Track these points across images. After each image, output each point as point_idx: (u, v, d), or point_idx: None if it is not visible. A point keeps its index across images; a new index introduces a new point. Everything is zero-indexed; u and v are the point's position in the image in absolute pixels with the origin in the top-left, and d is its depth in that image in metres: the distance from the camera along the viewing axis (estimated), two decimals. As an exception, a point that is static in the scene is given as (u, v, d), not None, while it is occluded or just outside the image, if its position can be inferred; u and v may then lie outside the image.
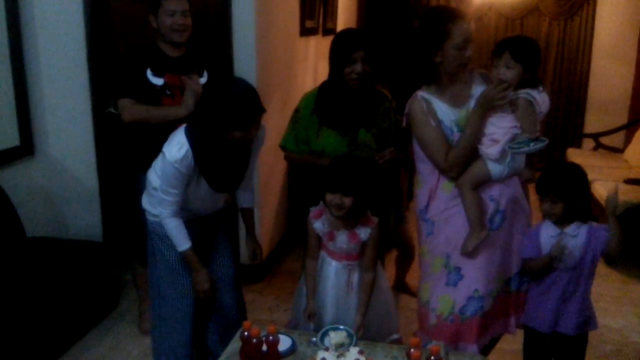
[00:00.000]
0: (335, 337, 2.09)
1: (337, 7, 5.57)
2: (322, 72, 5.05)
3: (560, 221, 2.26)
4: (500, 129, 2.20)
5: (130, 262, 3.26)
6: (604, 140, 5.88)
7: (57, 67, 3.50)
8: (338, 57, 2.52)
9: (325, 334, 2.13)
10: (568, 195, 2.21)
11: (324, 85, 2.66)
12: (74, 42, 3.46)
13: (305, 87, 4.50)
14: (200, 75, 2.95)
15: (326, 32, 5.26)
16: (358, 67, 2.46)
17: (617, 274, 4.01)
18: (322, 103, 2.59)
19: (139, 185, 2.82)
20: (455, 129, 2.27)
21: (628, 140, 5.66)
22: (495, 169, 2.21)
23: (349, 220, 2.28)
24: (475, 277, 2.29)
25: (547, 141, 2.14)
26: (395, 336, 2.50)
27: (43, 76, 3.50)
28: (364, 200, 2.25)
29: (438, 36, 2.19)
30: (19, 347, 2.69)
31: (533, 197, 2.36)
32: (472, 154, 2.24)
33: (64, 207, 3.67)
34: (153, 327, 2.60)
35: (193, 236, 2.34)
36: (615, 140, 5.93)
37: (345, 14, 6.03)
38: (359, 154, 2.52)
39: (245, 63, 3.47)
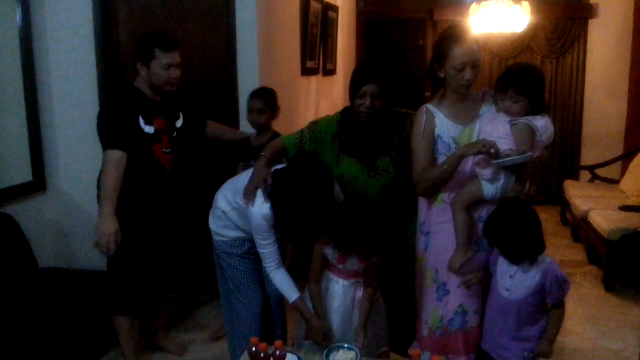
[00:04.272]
0: (341, 355, 2.15)
1: (336, 49, 5.80)
2: (323, 110, 5.21)
3: (515, 256, 2.22)
4: None
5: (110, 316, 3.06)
6: (600, 171, 5.97)
7: (69, 106, 3.66)
8: (351, 88, 2.57)
9: (330, 351, 2.18)
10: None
11: (344, 112, 2.69)
12: (86, 82, 3.63)
13: (306, 123, 4.63)
14: (176, 118, 2.96)
15: (326, 72, 5.46)
16: (367, 101, 2.49)
17: (615, 298, 4.06)
18: (343, 131, 2.63)
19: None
20: (453, 145, 2.33)
21: (624, 171, 5.74)
22: (487, 188, 2.27)
23: None
24: (460, 293, 2.36)
25: (530, 154, 2.15)
26: (384, 349, 2.58)
27: (55, 115, 3.66)
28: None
29: (439, 55, 2.31)
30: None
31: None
32: (441, 185, 2.33)
33: (74, 240, 3.78)
34: (228, 333, 2.88)
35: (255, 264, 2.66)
36: (611, 171, 6.01)
37: (344, 56, 6.25)
38: (379, 178, 2.60)
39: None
